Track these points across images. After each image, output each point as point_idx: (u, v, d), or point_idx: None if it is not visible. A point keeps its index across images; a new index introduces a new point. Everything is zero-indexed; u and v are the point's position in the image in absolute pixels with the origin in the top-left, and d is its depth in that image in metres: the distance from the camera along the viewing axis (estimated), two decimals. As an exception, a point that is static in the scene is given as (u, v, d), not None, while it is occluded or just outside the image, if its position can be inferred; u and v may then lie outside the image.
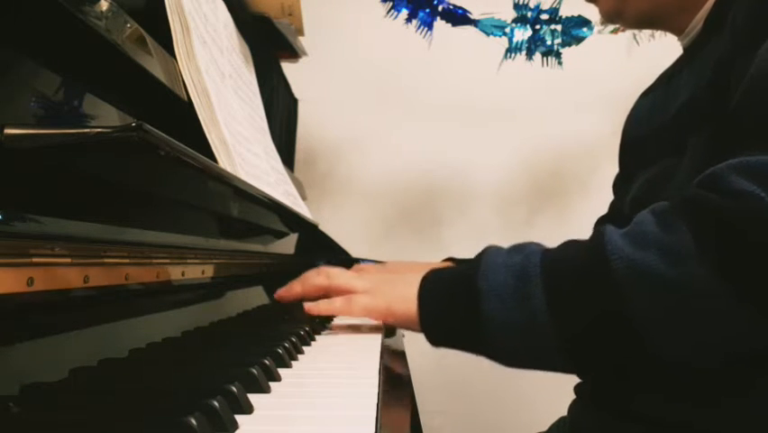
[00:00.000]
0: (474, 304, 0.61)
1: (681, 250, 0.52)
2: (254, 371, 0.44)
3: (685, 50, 0.80)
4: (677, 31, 0.79)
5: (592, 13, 1.48)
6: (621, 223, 0.82)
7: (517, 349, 0.60)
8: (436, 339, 0.66)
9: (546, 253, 0.61)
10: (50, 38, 0.46)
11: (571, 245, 0.61)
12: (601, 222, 1.02)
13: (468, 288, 0.62)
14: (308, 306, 0.73)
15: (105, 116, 0.53)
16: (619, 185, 0.97)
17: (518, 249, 0.64)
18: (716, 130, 0.62)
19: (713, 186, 0.53)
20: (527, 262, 0.61)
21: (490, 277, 0.61)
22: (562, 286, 0.58)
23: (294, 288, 0.78)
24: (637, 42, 1.49)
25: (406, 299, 0.67)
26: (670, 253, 0.53)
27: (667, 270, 0.52)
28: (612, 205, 1.01)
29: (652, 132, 0.81)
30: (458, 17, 1.44)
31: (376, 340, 0.71)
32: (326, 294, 0.74)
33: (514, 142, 1.89)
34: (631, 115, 0.93)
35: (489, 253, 0.65)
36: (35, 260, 0.38)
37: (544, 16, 1.45)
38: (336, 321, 0.86)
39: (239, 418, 0.37)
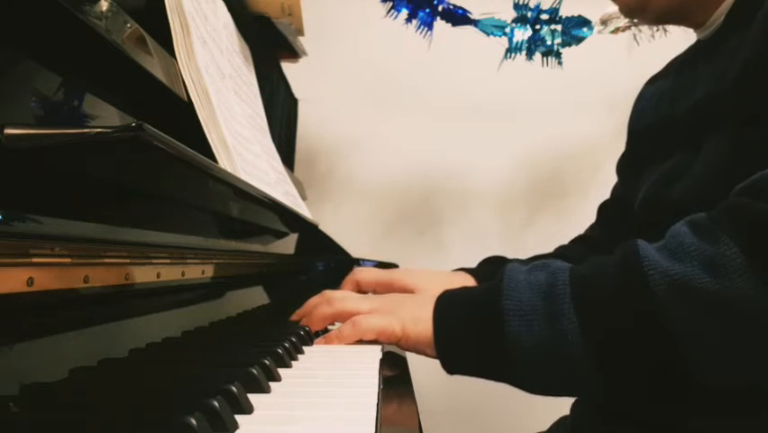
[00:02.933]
0: (497, 325, 0.57)
1: (726, 262, 0.49)
2: (254, 371, 0.44)
3: (702, 42, 0.77)
4: (695, 25, 0.77)
5: (592, 14, 1.49)
6: (630, 216, 0.80)
7: (545, 373, 0.56)
8: (453, 364, 0.61)
9: (574, 270, 0.58)
10: (50, 38, 0.46)
11: (599, 261, 0.57)
12: (604, 208, 1.01)
13: (489, 308, 0.58)
14: (320, 342, 0.68)
15: (105, 116, 0.53)
16: (626, 169, 0.94)
17: (541, 266, 0.60)
18: (744, 130, 0.60)
19: (760, 194, 0.50)
20: (554, 279, 0.57)
21: (513, 296, 0.57)
22: (595, 304, 0.54)
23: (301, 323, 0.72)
24: (637, 42, 1.49)
25: (419, 319, 0.62)
26: (714, 265, 0.49)
27: (711, 283, 0.49)
28: (615, 188, 0.99)
29: (662, 123, 0.79)
30: (458, 17, 1.44)
31: (376, 340, 0.70)
32: (334, 321, 0.71)
33: (514, 142, 1.89)
34: (638, 103, 0.92)
35: (509, 270, 0.60)
36: (35, 260, 0.38)
37: (544, 16, 1.45)
38: (336, 323, 0.86)
39: (239, 418, 0.37)
